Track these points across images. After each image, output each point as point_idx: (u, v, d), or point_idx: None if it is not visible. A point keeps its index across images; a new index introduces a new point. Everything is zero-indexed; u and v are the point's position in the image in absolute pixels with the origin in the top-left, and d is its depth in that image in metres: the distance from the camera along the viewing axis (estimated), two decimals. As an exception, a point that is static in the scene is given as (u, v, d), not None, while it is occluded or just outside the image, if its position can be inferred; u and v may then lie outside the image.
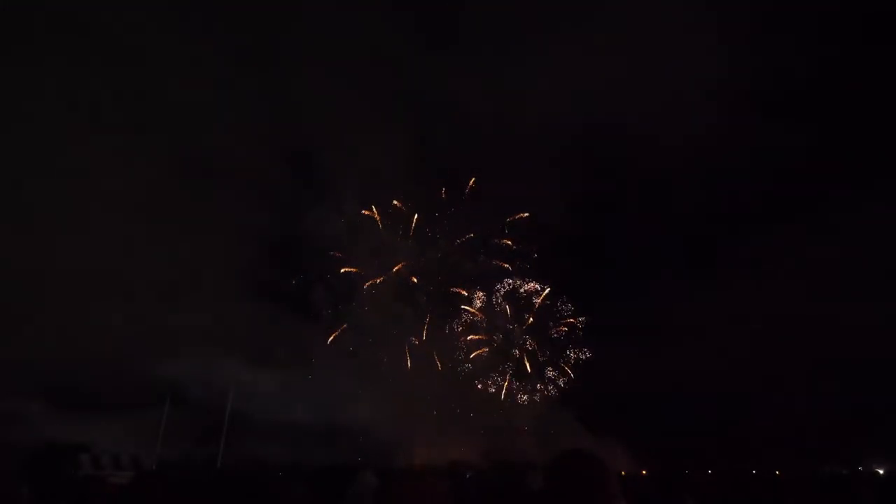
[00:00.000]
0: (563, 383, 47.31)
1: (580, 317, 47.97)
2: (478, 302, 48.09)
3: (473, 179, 47.91)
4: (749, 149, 59.70)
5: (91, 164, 52.35)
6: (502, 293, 48.47)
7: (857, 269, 51.17)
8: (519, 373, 48.11)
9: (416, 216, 47.62)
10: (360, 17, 63.26)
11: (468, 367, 46.62)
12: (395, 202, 47.79)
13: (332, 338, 46.77)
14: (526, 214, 49.10)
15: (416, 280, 47.41)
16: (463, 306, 47.69)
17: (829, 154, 56.35)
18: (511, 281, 48.21)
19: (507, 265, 48.92)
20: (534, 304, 48.24)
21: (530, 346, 47.91)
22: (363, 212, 48.41)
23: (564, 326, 47.77)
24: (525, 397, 47.43)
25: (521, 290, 48.43)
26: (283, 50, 61.97)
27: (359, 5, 62.85)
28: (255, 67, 65.92)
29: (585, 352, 47.21)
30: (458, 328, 47.72)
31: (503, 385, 48.13)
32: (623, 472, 29.91)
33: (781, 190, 60.57)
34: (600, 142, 60.29)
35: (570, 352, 47.24)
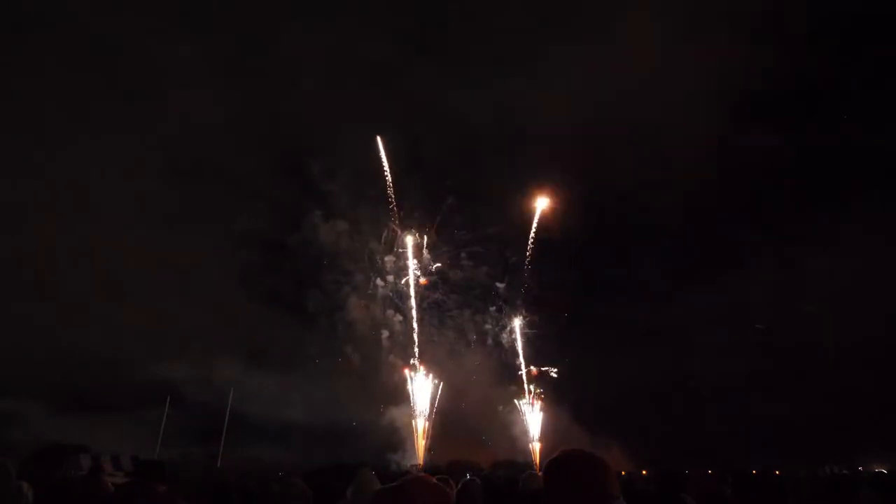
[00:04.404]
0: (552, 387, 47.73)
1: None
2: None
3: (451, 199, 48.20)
4: (745, 154, 59.72)
5: (90, 167, 52.33)
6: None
7: (856, 271, 51.15)
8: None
9: (404, 227, 47.75)
10: (355, 25, 63.15)
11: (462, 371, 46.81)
12: (384, 211, 48.00)
13: (327, 341, 46.95)
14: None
15: (409, 287, 47.52)
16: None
17: (826, 158, 56.32)
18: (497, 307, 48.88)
19: (499, 283, 49.39)
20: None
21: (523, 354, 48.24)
22: (355, 219, 48.62)
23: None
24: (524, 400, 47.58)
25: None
26: (279, 57, 62.05)
27: (353, 14, 62.85)
28: (251, 73, 65.95)
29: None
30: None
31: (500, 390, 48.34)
32: (623, 472, 29.84)
33: (779, 194, 60.44)
34: (593, 145, 60.27)
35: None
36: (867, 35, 55.32)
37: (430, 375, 44.33)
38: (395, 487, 2.05)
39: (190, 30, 64.10)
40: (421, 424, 43.37)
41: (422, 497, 1.97)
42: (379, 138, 46.15)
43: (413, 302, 46.98)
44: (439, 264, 48.59)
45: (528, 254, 49.83)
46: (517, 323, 49.11)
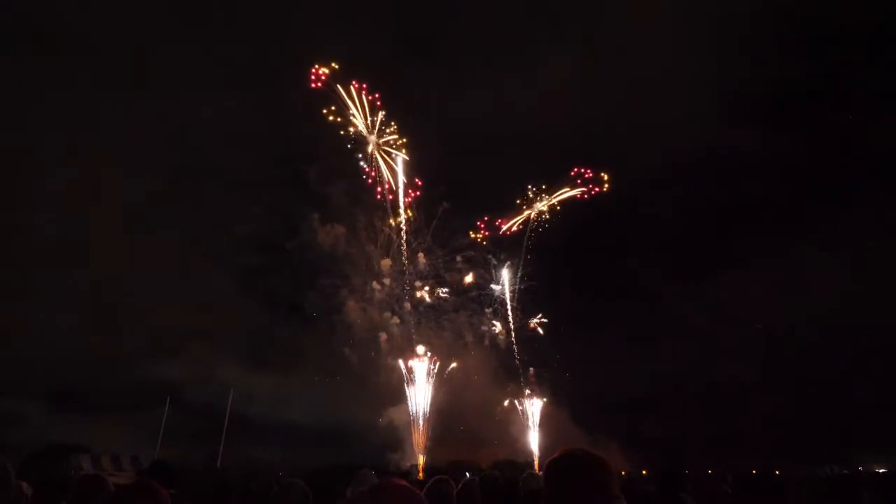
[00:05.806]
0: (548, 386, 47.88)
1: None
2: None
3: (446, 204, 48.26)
4: (742, 155, 59.72)
5: (90, 168, 52.34)
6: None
7: (856, 270, 51.15)
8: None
9: (402, 228, 47.72)
10: (351, 28, 63.11)
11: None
12: (381, 215, 48.01)
13: (327, 342, 46.98)
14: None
15: (405, 289, 47.56)
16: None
17: (822, 160, 56.35)
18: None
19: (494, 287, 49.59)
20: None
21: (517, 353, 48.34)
22: (352, 223, 48.68)
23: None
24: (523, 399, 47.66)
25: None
26: (277, 60, 62.02)
27: (350, 17, 62.72)
28: (251, 75, 65.98)
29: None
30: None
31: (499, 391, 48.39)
32: (623, 472, 29.82)
33: (775, 195, 60.48)
34: (591, 145, 60.23)
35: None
36: (868, 35, 55.39)
37: (432, 361, 44.08)
38: (382, 485, 2.03)
39: (191, 31, 64.23)
40: (420, 421, 43.25)
41: (407, 494, 1.96)
42: (377, 143, 46.11)
43: (409, 305, 47.11)
44: (435, 268, 48.75)
45: (524, 258, 50.01)
46: (512, 323, 49.32)
